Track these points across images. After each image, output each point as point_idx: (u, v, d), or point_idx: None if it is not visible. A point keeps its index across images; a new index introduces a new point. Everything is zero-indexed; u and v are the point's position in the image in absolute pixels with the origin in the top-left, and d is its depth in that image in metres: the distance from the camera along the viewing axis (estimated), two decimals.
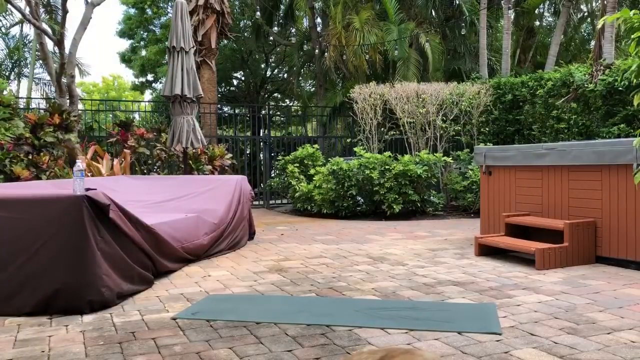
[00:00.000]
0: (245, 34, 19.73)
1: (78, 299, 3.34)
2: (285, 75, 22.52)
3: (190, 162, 8.84)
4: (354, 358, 1.66)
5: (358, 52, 13.89)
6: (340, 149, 13.40)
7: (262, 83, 21.95)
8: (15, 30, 19.76)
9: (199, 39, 12.60)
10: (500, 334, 2.87)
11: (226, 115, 18.80)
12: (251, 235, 6.45)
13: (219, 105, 16.86)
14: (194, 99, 7.23)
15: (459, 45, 15.38)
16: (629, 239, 4.55)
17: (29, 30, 19.88)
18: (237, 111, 19.35)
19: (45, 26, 12.02)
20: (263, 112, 15.20)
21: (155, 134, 9.17)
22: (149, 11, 21.01)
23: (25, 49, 20.05)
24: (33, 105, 16.97)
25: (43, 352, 2.69)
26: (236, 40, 18.53)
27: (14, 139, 7.28)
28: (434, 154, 8.82)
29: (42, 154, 7.34)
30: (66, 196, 3.43)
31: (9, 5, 11.95)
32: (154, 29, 21.24)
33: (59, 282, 3.32)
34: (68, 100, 10.87)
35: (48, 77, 15.96)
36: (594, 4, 18.23)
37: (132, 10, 21.36)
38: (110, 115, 15.25)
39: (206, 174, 8.97)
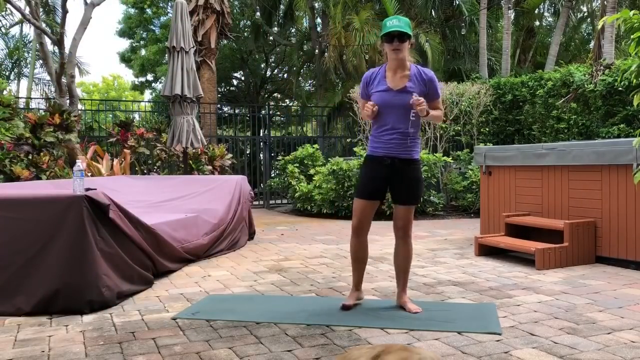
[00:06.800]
0: (245, 34, 19.73)
1: (78, 299, 3.33)
2: (285, 75, 22.52)
3: (190, 162, 8.84)
4: (352, 353, 1.66)
5: (358, 52, 13.88)
6: (340, 149, 13.39)
7: (262, 83, 21.95)
8: (15, 30, 19.76)
9: (199, 39, 12.61)
10: (500, 334, 2.87)
11: (226, 115, 18.80)
12: (251, 235, 6.45)
13: (218, 105, 16.86)
14: (194, 99, 7.23)
15: (458, 45, 15.37)
16: (629, 239, 4.55)
17: (29, 30, 19.91)
18: (237, 111, 19.35)
19: (45, 26, 12.03)
20: (263, 112, 15.20)
21: (155, 134, 9.17)
22: (148, 11, 21.02)
23: (25, 49, 20.05)
24: (33, 105, 16.97)
25: (43, 352, 2.68)
26: (236, 40, 18.52)
27: (14, 139, 7.29)
28: (434, 154, 8.82)
29: (42, 154, 7.35)
30: (66, 196, 3.42)
31: (9, 5, 11.94)
32: (153, 28, 21.24)
33: (59, 282, 3.32)
34: (68, 100, 10.88)
35: (48, 77, 15.96)
36: (594, 4, 18.23)
37: (132, 10, 21.36)
38: (110, 115, 15.25)
39: (206, 174, 8.98)
